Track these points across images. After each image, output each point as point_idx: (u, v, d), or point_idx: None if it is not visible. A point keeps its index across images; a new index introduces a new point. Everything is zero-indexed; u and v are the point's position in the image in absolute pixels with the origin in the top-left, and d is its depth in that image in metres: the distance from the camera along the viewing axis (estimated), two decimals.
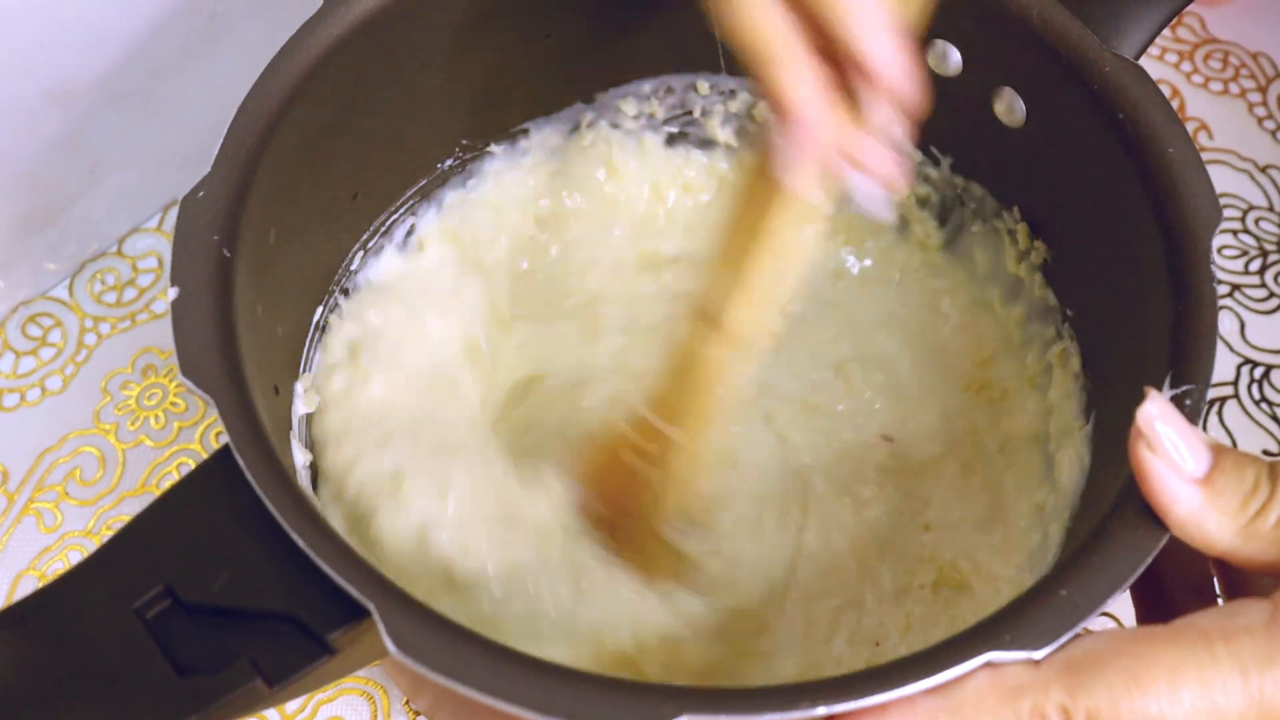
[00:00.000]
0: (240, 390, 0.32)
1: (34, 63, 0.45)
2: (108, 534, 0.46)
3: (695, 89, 0.48)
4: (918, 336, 0.47)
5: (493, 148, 0.47)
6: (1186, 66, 0.57)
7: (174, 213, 0.51)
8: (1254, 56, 0.57)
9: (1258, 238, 0.53)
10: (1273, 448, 0.48)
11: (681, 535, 0.42)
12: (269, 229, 0.37)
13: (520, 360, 0.47)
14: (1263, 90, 0.56)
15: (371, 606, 0.28)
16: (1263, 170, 0.54)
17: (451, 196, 0.47)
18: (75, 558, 0.47)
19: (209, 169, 0.35)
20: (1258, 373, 0.50)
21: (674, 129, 0.49)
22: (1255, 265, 0.52)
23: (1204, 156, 0.53)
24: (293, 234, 0.39)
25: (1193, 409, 0.32)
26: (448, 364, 0.44)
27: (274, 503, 0.30)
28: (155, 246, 0.53)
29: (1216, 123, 0.55)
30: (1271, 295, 0.51)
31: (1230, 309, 0.51)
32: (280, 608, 0.30)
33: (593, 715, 0.27)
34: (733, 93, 0.48)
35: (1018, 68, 0.40)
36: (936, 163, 0.46)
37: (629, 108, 0.48)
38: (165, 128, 0.50)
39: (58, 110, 0.47)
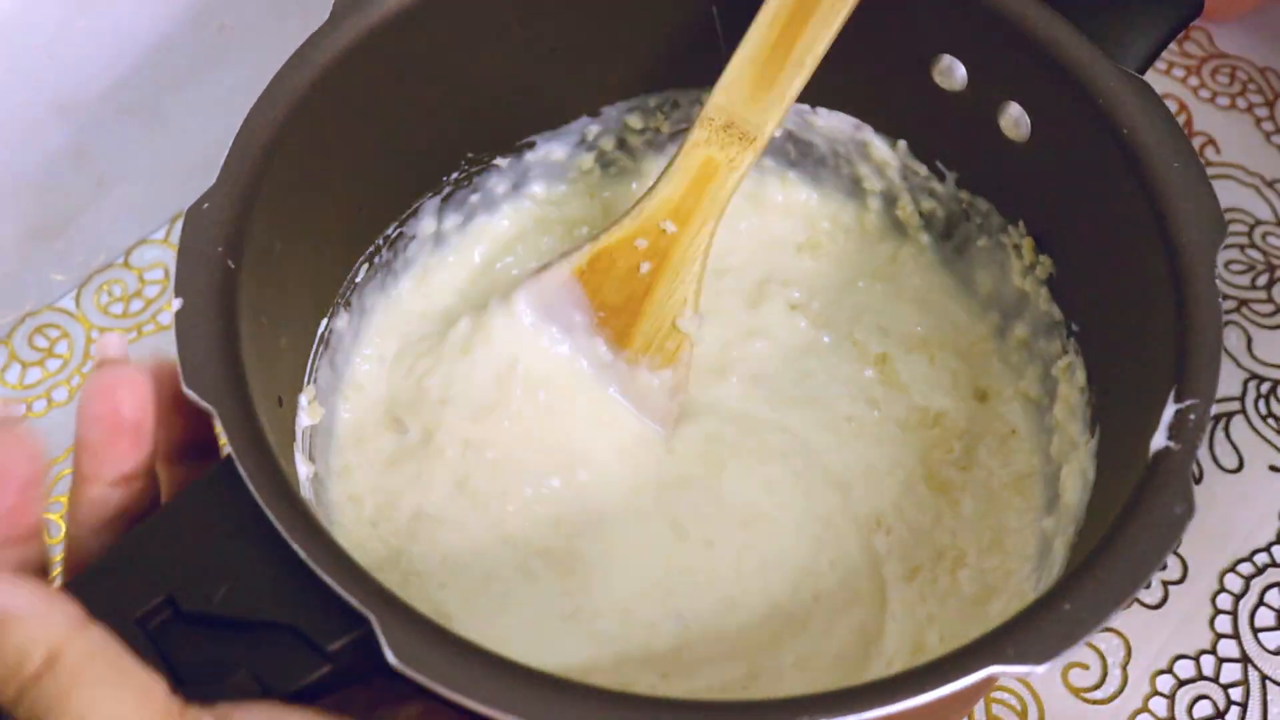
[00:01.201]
0: (243, 401, 0.32)
1: (42, 74, 0.45)
2: None
3: (700, 102, 0.48)
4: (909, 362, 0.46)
5: (498, 160, 0.47)
6: (1194, 81, 0.57)
7: (181, 224, 0.52)
8: (1261, 71, 0.57)
9: (1265, 252, 0.52)
10: (1279, 463, 0.48)
11: (689, 322, 0.44)
12: (274, 240, 0.37)
13: None
14: (1270, 105, 0.56)
15: (371, 617, 0.28)
16: (1270, 185, 0.54)
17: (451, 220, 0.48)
18: None
19: (214, 180, 0.35)
20: (1265, 388, 0.50)
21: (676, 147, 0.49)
22: (1262, 280, 0.52)
23: (1211, 171, 0.54)
24: (298, 245, 0.39)
25: (1196, 425, 0.32)
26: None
27: (275, 513, 0.30)
28: (162, 258, 0.53)
29: (1224, 137, 0.55)
30: (1278, 310, 0.51)
31: (1237, 324, 0.51)
32: (281, 618, 0.29)
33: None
34: None
35: (1023, 82, 0.40)
36: (942, 177, 0.46)
37: (635, 121, 0.48)
38: (173, 139, 0.51)
39: (65, 121, 0.47)
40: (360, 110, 0.41)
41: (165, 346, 0.50)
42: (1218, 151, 0.55)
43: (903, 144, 0.46)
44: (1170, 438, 0.32)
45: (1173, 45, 0.57)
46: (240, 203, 0.35)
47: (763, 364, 0.46)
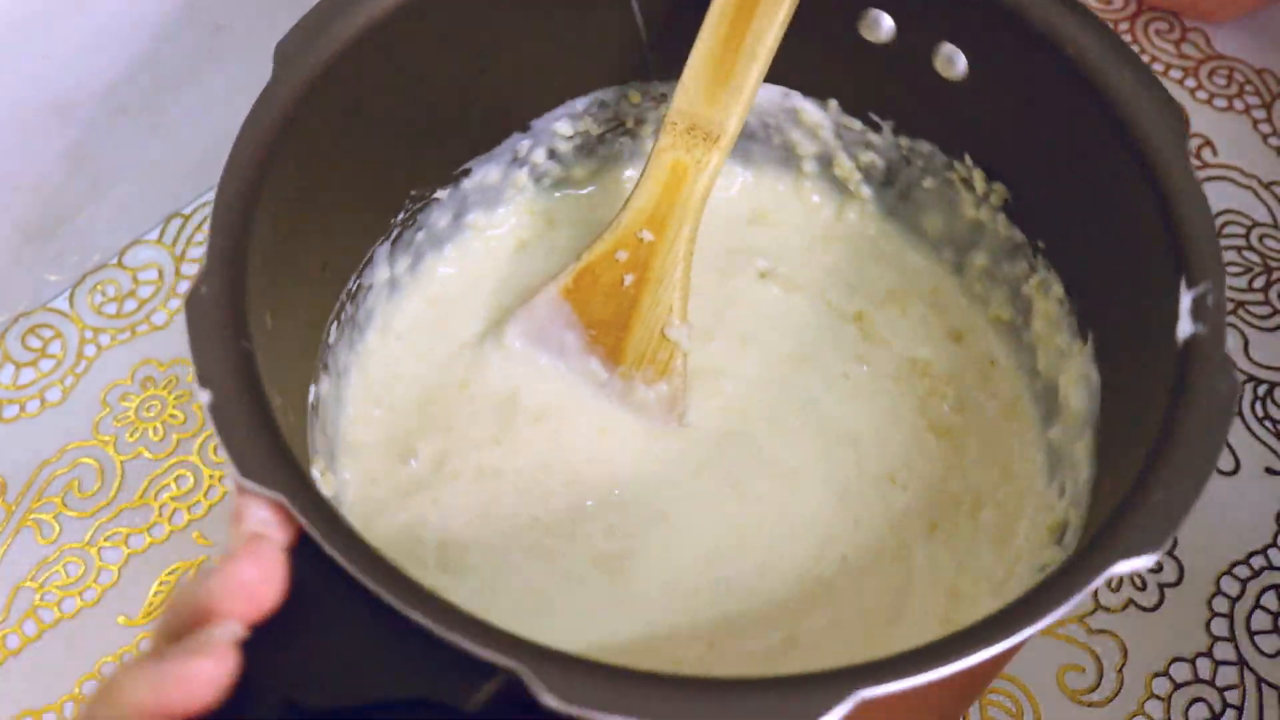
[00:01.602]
0: (304, 481, 0.31)
1: (37, 74, 0.45)
2: (105, 546, 0.47)
3: (628, 98, 0.48)
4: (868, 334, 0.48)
5: (439, 194, 0.46)
6: (1191, 82, 0.57)
7: (175, 224, 0.53)
8: (1259, 73, 0.57)
9: (1261, 254, 0.53)
10: (1276, 466, 0.48)
11: (678, 331, 0.45)
12: (265, 315, 0.36)
13: None
14: (1267, 106, 0.56)
15: (518, 665, 0.27)
16: (1266, 186, 0.54)
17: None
18: (74, 570, 0.47)
19: (204, 263, 0.34)
20: (1261, 390, 0.50)
21: (609, 149, 0.49)
22: (1259, 282, 0.52)
23: (1207, 173, 0.54)
24: (285, 316, 0.38)
25: (1217, 305, 0.34)
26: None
27: (385, 587, 0.28)
28: (156, 258, 0.53)
29: (1221, 139, 0.55)
30: (1275, 312, 0.51)
31: (1234, 326, 0.51)
32: (410, 692, 0.28)
33: (772, 713, 0.27)
34: (664, 96, 0.48)
35: (953, 22, 0.42)
36: (878, 129, 0.47)
37: (564, 129, 0.48)
38: (168, 140, 0.50)
39: (60, 122, 0.47)
40: (316, 168, 0.39)
41: (159, 347, 0.51)
42: (1214, 153, 0.55)
43: (834, 103, 0.47)
44: (1196, 322, 0.34)
45: (1170, 47, 0.57)
46: (235, 283, 0.34)
47: (746, 327, 0.47)
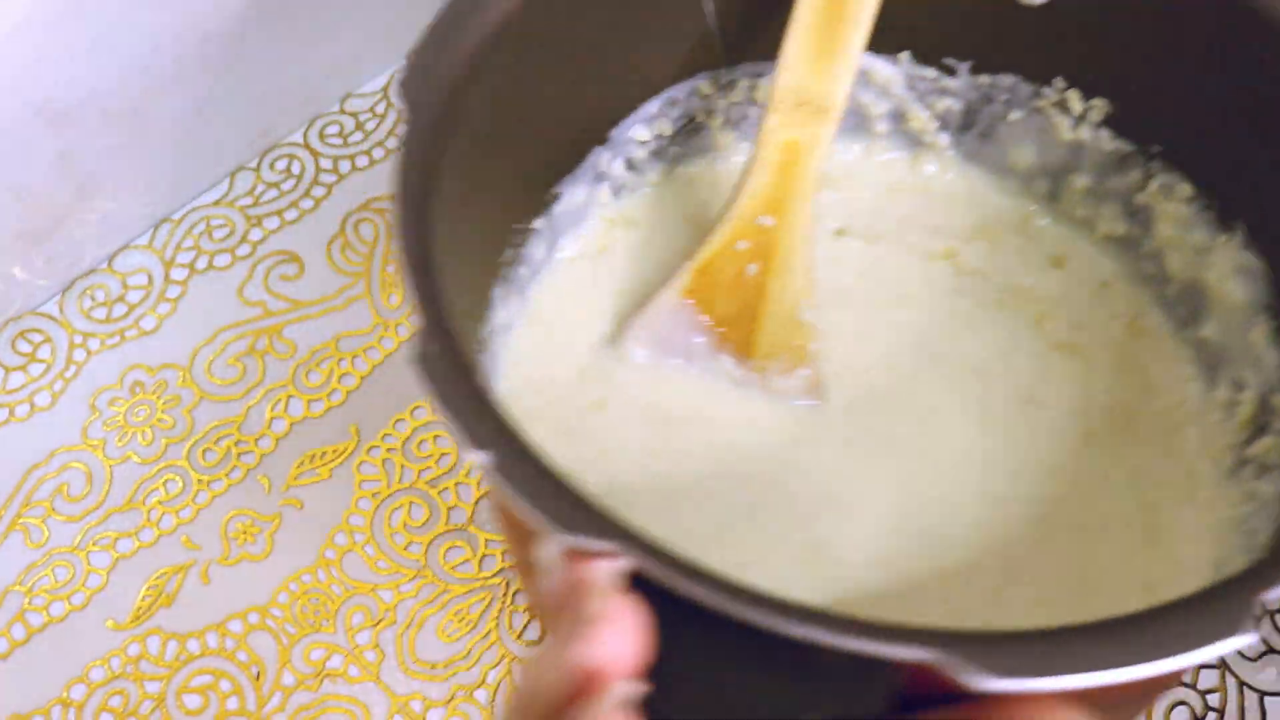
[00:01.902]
0: (620, 521, 0.28)
1: (27, 79, 0.45)
2: (94, 550, 0.48)
3: (698, 92, 0.47)
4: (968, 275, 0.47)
5: (535, 224, 0.44)
6: None
7: (165, 229, 0.53)
8: None
9: None
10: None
11: (814, 312, 0.44)
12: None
13: None
14: None
15: (941, 654, 0.25)
16: None
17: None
18: (62, 574, 0.48)
19: (416, 322, 0.31)
20: None
21: (679, 148, 0.48)
22: None
23: None
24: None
25: None
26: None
27: (762, 611, 0.26)
28: (145, 263, 0.53)
29: None
30: None
31: None
32: (817, 713, 0.26)
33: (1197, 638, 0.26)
34: (731, 84, 0.47)
35: None
36: (953, 72, 0.46)
37: (641, 134, 0.46)
38: (158, 146, 0.51)
39: (50, 127, 0.47)
40: (455, 210, 0.36)
41: (148, 352, 0.51)
42: None
43: (906, 55, 0.46)
44: None
45: None
46: (454, 338, 0.31)
47: (836, 285, 0.46)
